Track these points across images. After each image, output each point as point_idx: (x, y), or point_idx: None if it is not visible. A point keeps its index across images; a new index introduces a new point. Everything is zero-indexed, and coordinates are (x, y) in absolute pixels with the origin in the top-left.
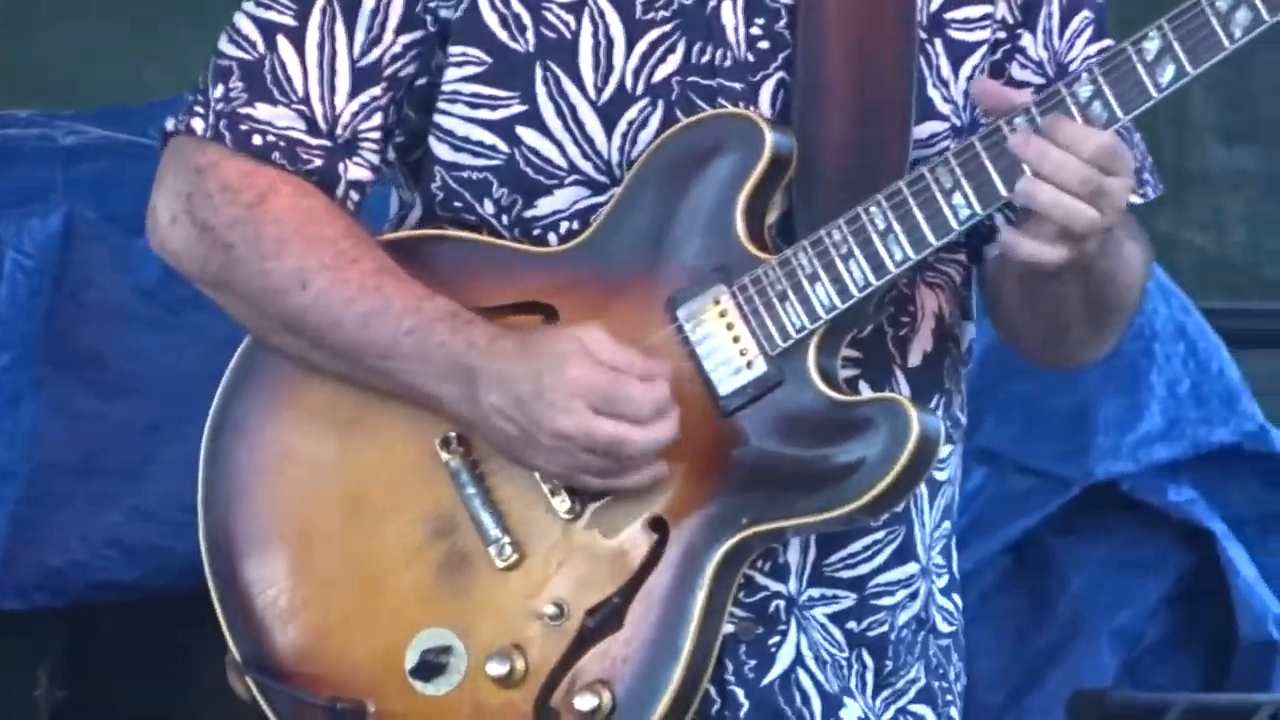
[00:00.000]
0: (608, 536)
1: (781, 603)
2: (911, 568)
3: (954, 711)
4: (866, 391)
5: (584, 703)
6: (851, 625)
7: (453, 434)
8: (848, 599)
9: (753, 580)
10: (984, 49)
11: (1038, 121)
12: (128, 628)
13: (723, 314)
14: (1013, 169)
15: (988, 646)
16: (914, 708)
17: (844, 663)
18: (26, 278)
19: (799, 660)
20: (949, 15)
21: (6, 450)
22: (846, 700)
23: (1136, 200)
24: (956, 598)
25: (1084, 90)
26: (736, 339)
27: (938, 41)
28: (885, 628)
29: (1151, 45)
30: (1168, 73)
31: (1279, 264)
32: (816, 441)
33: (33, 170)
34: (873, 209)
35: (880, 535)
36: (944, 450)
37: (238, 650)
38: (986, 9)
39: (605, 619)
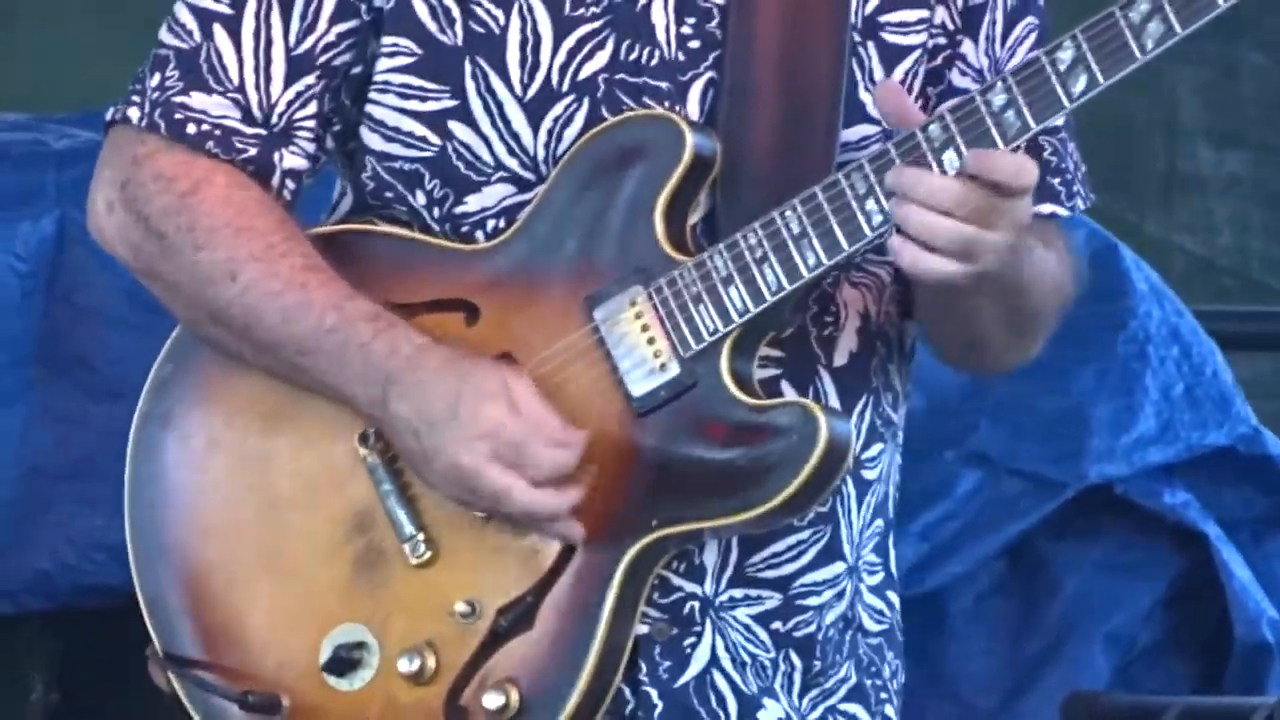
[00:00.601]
0: (520, 536)
1: (696, 604)
2: (838, 567)
3: (889, 709)
4: (790, 392)
5: (492, 701)
6: (777, 625)
7: (371, 431)
8: (772, 599)
9: (668, 581)
10: (918, 53)
11: (951, 128)
12: (120, 631)
13: (638, 315)
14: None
15: (981, 649)
16: (845, 706)
17: (768, 664)
18: (19, 281)
19: (714, 662)
20: (884, 18)
21: None
22: (766, 701)
23: (1063, 212)
24: (891, 595)
25: (998, 99)
26: (651, 340)
27: (870, 44)
28: (812, 627)
29: (1065, 55)
30: (1080, 83)
31: (1268, 267)
32: (728, 445)
33: (24, 174)
34: (788, 213)
35: (805, 535)
36: (873, 449)
37: (160, 642)
38: (922, 13)
39: (516, 618)
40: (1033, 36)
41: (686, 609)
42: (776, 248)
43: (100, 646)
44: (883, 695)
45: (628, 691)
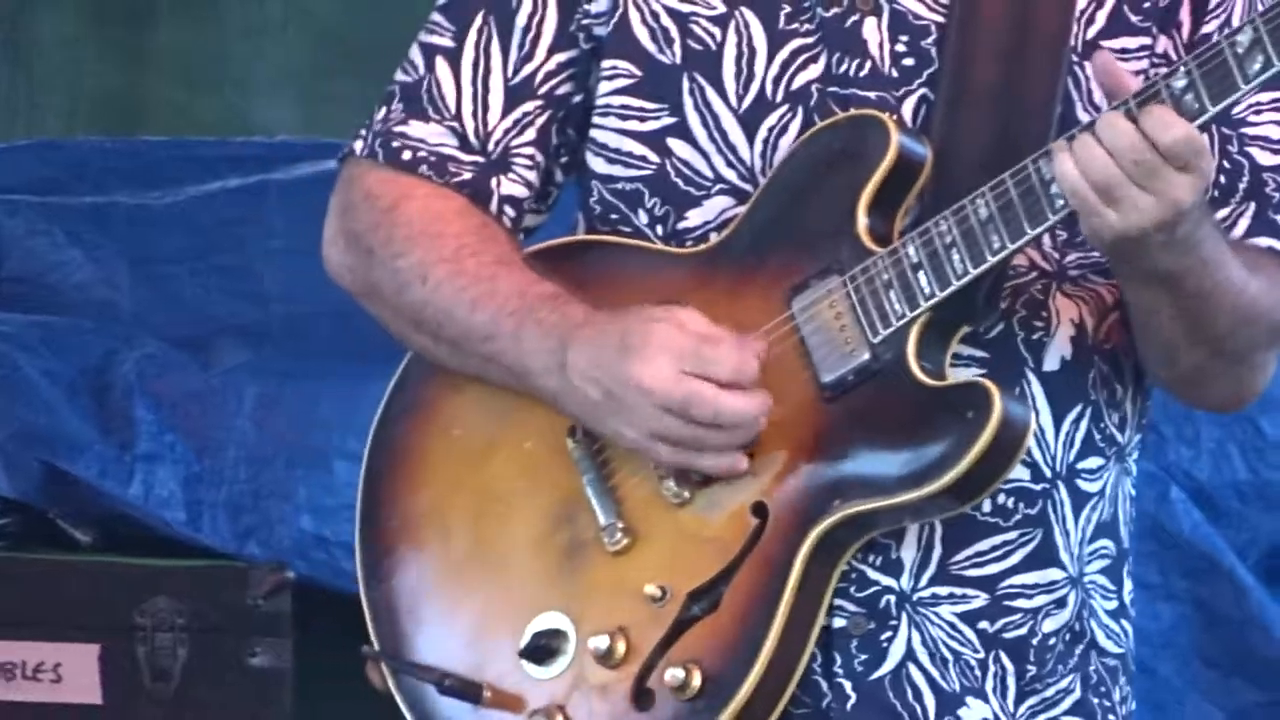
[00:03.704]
0: (713, 521)
1: (892, 598)
2: (1054, 574)
3: None
4: None
5: (673, 677)
6: (984, 625)
7: (580, 428)
8: (978, 598)
9: (864, 575)
10: (1139, 80)
11: (1134, 110)
12: None
13: (833, 304)
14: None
15: None
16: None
17: (975, 663)
18: None
19: (911, 656)
20: (1105, 43)
21: None
22: (971, 700)
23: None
24: (1125, 624)
25: (1179, 82)
26: (843, 327)
27: (1089, 66)
28: (1024, 630)
29: (1244, 38)
30: (1256, 63)
31: None
32: (909, 427)
33: None
34: (978, 200)
35: (1012, 536)
36: (1090, 461)
37: (378, 641)
38: (1144, 40)
39: (705, 602)
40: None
41: (883, 603)
42: (965, 233)
43: None
44: (1110, 717)
45: (824, 684)
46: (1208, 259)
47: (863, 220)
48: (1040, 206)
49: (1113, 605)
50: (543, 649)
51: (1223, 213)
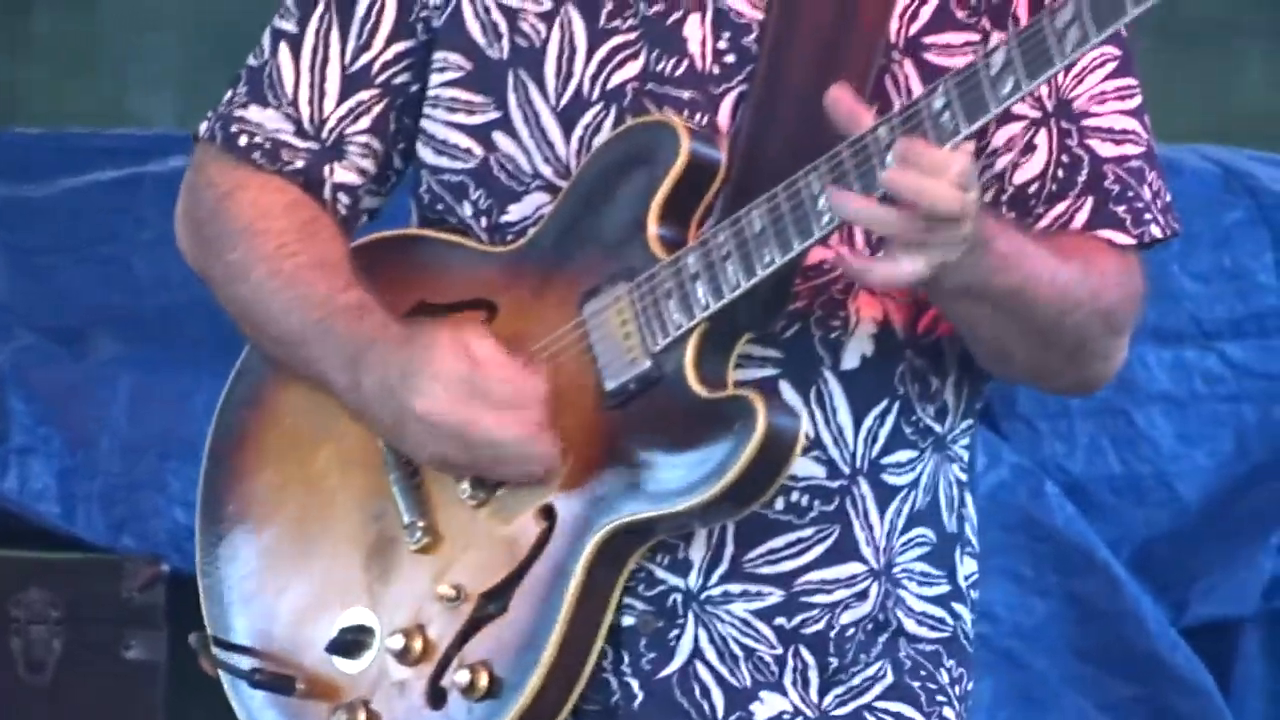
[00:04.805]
0: (505, 523)
1: (679, 596)
2: (855, 567)
3: (949, 712)
4: (788, 391)
5: (462, 678)
6: (781, 621)
7: None
8: (773, 595)
9: (652, 575)
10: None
11: (896, 130)
12: None
13: (619, 311)
14: (872, 177)
15: None
16: (885, 705)
17: (772, 659)
18: None
19: (698, 654)
20: (928, 39)
21: None
22: (765, 695)
23: (1125, 240)
24: (959, 606)
25: (937, 102)
26: (627, 335)
27: (908, 63)
28: (822, 625)
29: (997, 59)
30: (1008, 85)
31: None
32: (685, 437)
33: None
34: (754, 213)
35: (808, 533)
36: (898, 455)
37: (210, 624)
38: (969, 36)
39: (496, 603)
40: (1110, 65)
41: (670, 601)
42: (739, 244)
43: None
44: (939, 698)
45: (613, 681)
46: (1006, 253)
47: (653, 228)
48: (808, 223)
49: (938, 591)
50: (350, 643)
51: (1061, 207)
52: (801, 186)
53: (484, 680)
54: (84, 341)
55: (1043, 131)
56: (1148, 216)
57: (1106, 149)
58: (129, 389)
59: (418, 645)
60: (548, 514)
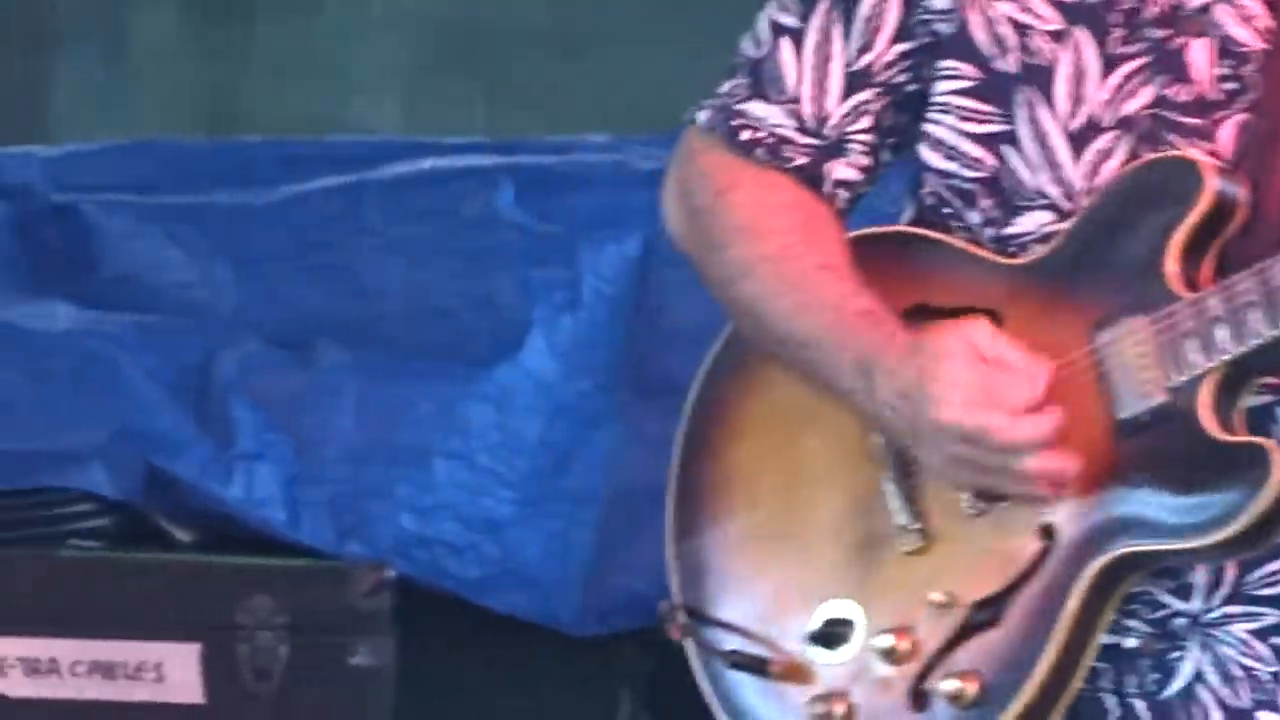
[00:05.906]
0: (1003, 536)
1: (1184, 620)
2: None
3: None
4: None
5: (949, 686)
6: (1277, 640)
7: None
8: (1269, 615)
9: (1155, 598)
10: None
11: None
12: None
13: (1138, 344)
14: None
15: None
16: None
17: (1267, 677)
18: (605, 303)
19: (1199, 676)
20: None
21: (587, 475)
22: (1262, 715)
23: None
24: None
25: None
26: (1144, 368)
27: None
28: None
29: None
30: None
31: None
32: (1193, 475)
33: (609, 195)
34: (1278, 266)
35: None
36: None
37: (681, 593)
38: None
39: (988, 613)
40: None
41: (1173, 625)
42: (1265, 294)
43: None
44: None
45: (1113, 701)
46: None
47: (1171, 264)
48: None
49: None
50: (831, 634)
51: None
52: None
53: (973, 690)
54: (309, 349)
55: None
56: None
57: None
58: (355, 396)
59: (905, 645)
60: (1047, 533)
